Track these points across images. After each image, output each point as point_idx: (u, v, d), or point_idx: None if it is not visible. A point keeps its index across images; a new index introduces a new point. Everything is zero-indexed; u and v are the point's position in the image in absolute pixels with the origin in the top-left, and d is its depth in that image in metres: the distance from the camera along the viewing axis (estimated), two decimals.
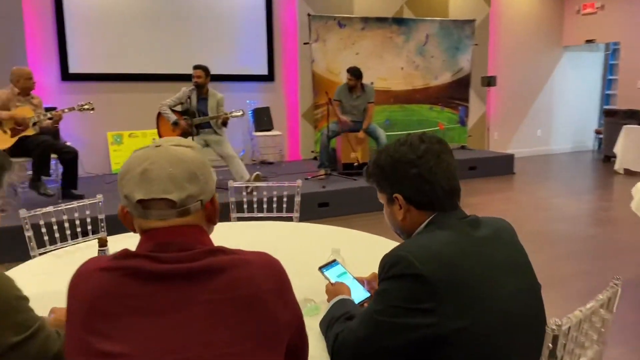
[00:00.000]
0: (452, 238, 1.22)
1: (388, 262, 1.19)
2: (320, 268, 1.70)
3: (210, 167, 1.10)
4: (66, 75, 6.50)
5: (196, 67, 5.59)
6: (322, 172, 6.16)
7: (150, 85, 6.94)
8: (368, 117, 6.29)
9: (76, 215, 2.55)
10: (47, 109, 5.08)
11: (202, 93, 5.67)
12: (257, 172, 5.43)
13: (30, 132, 4.73)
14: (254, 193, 5.12)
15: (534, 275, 1.32)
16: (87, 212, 2.65)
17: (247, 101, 7.44)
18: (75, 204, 2.59)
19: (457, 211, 1.32)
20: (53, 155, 4.98)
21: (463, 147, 8.89)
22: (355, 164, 6.28)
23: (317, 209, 5.51)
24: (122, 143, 6.85)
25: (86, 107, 5.08)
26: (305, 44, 7.56)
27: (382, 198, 1.43)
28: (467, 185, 7.31)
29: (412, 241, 1.25)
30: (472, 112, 8.99)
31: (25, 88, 4.82)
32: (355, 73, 6.16)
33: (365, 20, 7.87)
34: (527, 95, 9.87)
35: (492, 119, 9.45)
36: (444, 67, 8.58)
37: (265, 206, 2.91)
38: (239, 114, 5.50)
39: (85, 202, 2.61)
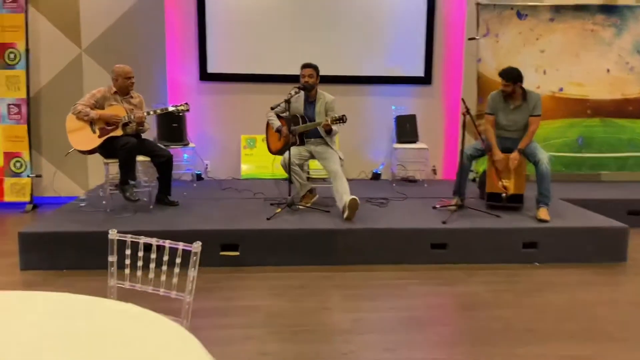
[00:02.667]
0: None
1: None
2: None
3: None
4: (204, 75, 6.31)
5: (307, 66, 4.81)
6: (454, 201, 4.82)
7: (289, 88, 6.37)
8: (529, 135, 4.73)
9: None
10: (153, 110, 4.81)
11: (310, 96, 4.86)
12: (354, 197, 4.40)
13: (118, 132, 4.50)
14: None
15: None
16: None
17: (392, 107, 6.38)
18: None
19: None
20: (142, 158, 4.70)
21: None
22: (504, 195, 4.78)
23: (429, 250, 4.26)
24: (255, 147, 6.43)
25: (181, 107, 4.69)
26: (470, 39, 6.18)
27: None
28: None
29: None
30: None
31: (122, 87, 4.61)
32: (509, 76, 4.66)
33: (557, 8, 6.12)
34: None
35: None
36: None
37: (152, 276, 1.93)
38: (339, 119, 4.53)
39: None
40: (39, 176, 5.99)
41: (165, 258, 1.88)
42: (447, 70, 6.51)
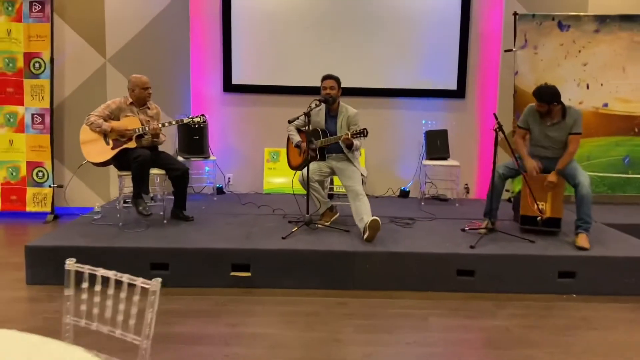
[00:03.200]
0: None
1: None
2: None
3: None
4: (228, 86, 6.16)
5: (328, 77, 4.58)
6: (485, 224, 4.48)
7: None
8: (568, 154, 4.36)
9: None
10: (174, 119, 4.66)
11: (331, 109, 4.62)
12: (376, 218, 4.12)
13: (132, 144, 4.36)
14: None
15: None
16: None
17: (423, 121, 6.08)
18: None
19: None
20: (157, 171, 4.54)
21: None
22: (539, 218, 4.41)
23: (454, 277, 3.93)
24: (278, 161, 6.23)
25: (197, 119, 4.53)
26: (506, 51, 5.84)
27: None
28: None
29: None
30: None
31: (139, 98, 4.48)
32: (543, 97, 4.29)
33: (603, 19, 5.72)
34: None
35: None
36: None
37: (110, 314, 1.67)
38: (360, 133, 4.28)
39: None
40: (60, 186, 5.93)
41: (123, 295, 1.64)
42: (482, 83, 6.18)
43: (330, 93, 4.54)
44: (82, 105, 5.88)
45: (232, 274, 3.91)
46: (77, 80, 5.97)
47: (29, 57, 5.76)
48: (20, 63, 5.75)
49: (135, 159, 4.27)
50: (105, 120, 4.39)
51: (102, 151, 4.37)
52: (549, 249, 4.09)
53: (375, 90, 6.12)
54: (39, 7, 5.70)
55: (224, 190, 6.13)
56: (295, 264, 3.92)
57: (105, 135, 4.37)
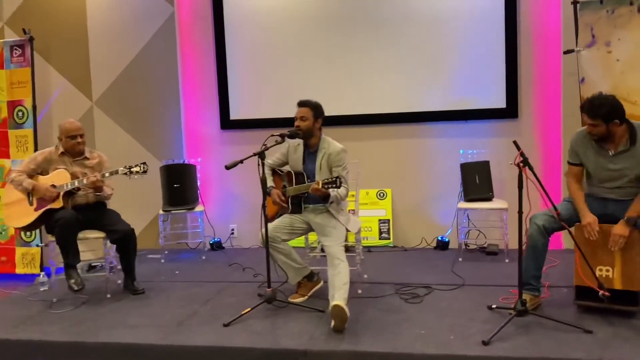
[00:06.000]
0: None
1: None
2: None
3: None
4: (226, 122, 5.29)
5: (300, 104, 3.52)
6: (515, 303, 3.06)
7: (331, 132, 5.09)
8: None
9: None
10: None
11: (310, 145, 3.53)
12: (338, 304, 2.88)
13: (57, 204, 3.58)
14: None
15: None
16: None
17: (461, 151, 4.73)
18: None
19: None
20: (97, 235, 3.71)
21: None
22: (601, 293, 2.91)
23: None
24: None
25: (135, 169, 3.64)
26: (566, 52, 4.36)
27: None
28: None
29: None
30: None
31: (67, 148, 3.71)
32: (596, 111, 2.90)
33: None
34: None
35: None
36: None
37: None
38: (331, 182, 3.12)
39: None
40: (48, 245, 5.33)
41: None
42: (540, 97, 4.73)
43: (300, 125, 3.46)
44: None
45: None
46: None
47: (12, 105, 5.27)
48: (4, 113, 5.29)
49: (56, 222, 3.47)
50: (30, 176, 3.66)
51: (25, 213, 3.64)
52: (611, 347, 2.61)
53: (399, 116, 4.92)
54: (19, 51, 5.23)
55: (223, 245, 5.19)
56: None
57: (29, 194, 3.63)
